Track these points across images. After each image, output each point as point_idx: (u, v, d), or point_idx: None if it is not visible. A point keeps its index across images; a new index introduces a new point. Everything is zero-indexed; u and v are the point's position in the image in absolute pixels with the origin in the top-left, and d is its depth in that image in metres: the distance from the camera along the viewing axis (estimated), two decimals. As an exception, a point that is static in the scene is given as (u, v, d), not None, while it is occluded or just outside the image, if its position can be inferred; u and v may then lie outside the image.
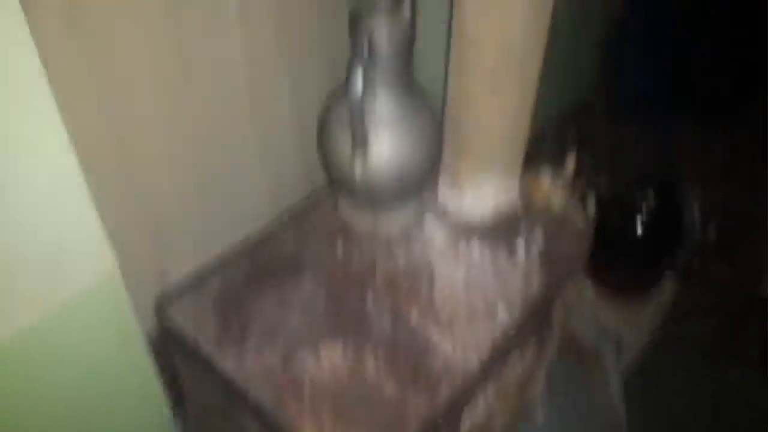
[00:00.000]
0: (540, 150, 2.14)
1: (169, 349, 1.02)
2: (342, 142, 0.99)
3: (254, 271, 1.04)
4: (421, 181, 1.10)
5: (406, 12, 0.94)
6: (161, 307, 0.97)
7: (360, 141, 0.95)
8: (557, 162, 2.05)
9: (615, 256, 1.76)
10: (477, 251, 1.10)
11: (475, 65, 0.99)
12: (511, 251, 1.10)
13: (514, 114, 1.05)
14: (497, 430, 1.28)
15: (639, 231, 1.72)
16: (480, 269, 1.07)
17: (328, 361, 0.92)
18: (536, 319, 1.10)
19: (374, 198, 1.07)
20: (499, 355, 0.99)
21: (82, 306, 1.03)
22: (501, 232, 1.14)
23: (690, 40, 2.10)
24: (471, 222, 1.15)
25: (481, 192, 1.14)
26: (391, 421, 0.85)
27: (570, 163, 1.90)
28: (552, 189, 1.80)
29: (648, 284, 1.78)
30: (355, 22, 0.91)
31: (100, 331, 1.09)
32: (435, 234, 1.13)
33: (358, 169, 1.00)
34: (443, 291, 1.03)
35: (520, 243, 1.12)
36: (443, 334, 0.96)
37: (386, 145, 0.99)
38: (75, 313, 1.03)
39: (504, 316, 0.99)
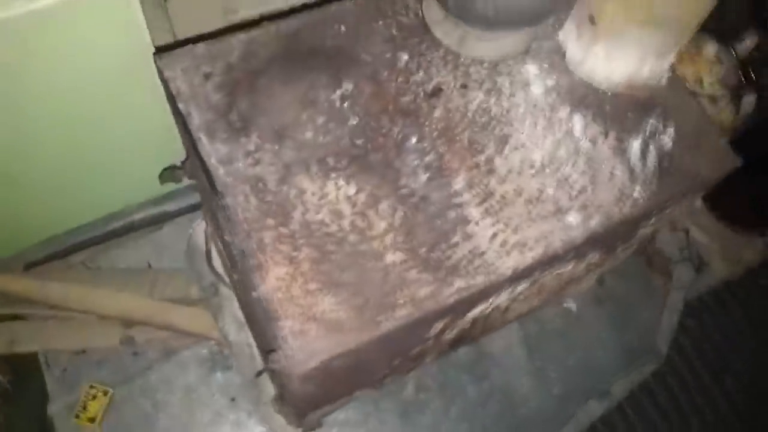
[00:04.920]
0: (718, 14, 1.66)
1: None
2: None
3: (290, 49, 0.80)
4: (540, 5, 0.78)
5: None
6: (161, 52, 0.77)
7: None
8: (733, 35, 1.58)
9: (747, 179, 1.41)
10: (579, 125, 0.81)
11: None
12: (624, 143, 0.81)
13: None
14: (514, 314, 1.11)
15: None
16: (572, 150, 0.79)
17: (333, 198, 0.72)
18: (614, 237, 0.85)
19: (468, 8, 0.76)
20: (546, 265, 0.76)
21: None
22: (622, 113, 0.83)
23: None
24: (589, 85, 0.84)
25: (618, 53, 0.81)
26: (378, 298, 0.67)
27: (750, 40, 1.45)
28: (711, 66, 1.39)
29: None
30: None
31: (108, 37, 0.90)
32: (535, 82, 0.83)
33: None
34: (511, 160, 0.77)
35: (640, 136, 0.82)
36: (487, 216, 0.73)
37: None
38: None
39: (575, 222, 0.75)
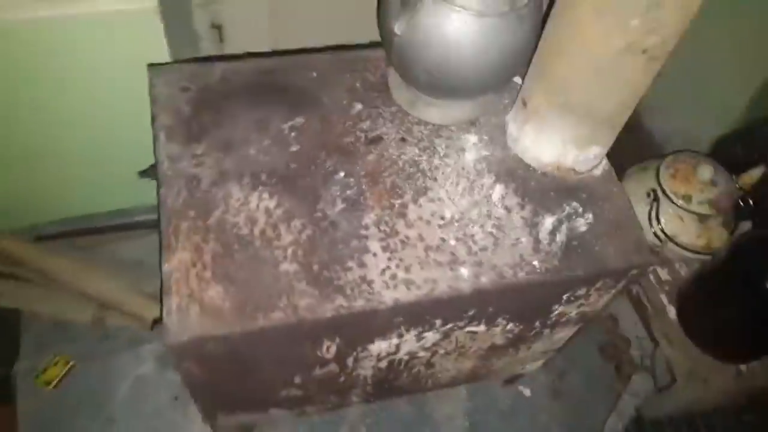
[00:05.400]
0: (733, 145, 1.67)
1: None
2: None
3: (261, 83, 0.93)
4: (482, 79, 0.87)
5: None
6: (156, 66, 0.91)
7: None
8: (743, 165, 1.59)
9: (729, 305, 1.38)
10: (499, 194, 0.88)
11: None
12: (537, 217, 0.86)
13: (634, 64, 0.75)
14: (446, 374, 1.13)
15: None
16: (485, 213, 0.86)
17: (254, 207, 0.81)
18: (521, 306, 0.89)
19: (413, 76, 0.87)
20: (427, 309, 0.82)
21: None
22: (544, 191, 0.89)
23: None
24: (521, 161, 0.91)
25: (543, 136, 0.88)
26: (261, 298, 0.75)
27: (756, 172, 1.47)
28: (704, 187, 1.42)
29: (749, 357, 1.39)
30: None
31: (132, 50, 1.06)
32: (470, 150, 0.92)
33: (397, 30, 0.80)
34: (424, 210, 0.85)
35: (555, 215, 0.87)
36: (385, 251, 0.80)
37: (441, 16, 0.77)
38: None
39: (466, 274, 0.80)
